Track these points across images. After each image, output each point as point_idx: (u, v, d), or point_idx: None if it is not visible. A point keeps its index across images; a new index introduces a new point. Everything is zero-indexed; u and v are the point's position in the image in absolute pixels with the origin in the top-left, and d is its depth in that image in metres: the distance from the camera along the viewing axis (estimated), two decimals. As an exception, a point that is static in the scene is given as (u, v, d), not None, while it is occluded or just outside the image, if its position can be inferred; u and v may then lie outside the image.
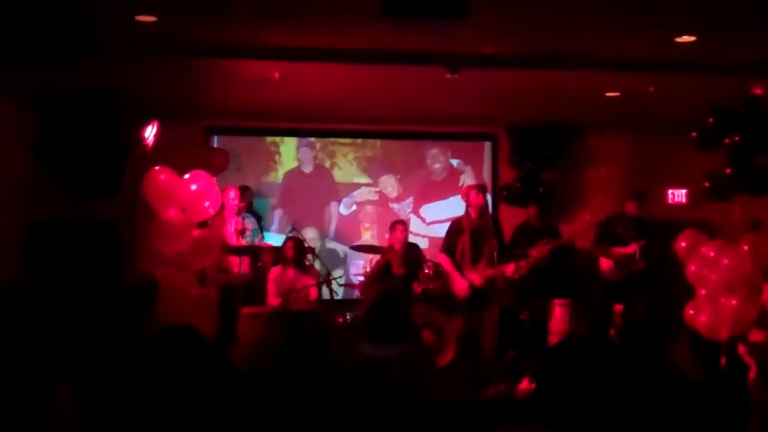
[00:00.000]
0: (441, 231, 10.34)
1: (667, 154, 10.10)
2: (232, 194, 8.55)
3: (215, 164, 9.60)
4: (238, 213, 8.73)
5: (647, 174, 10.25)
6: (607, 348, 2.54)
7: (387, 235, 9.02)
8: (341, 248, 10.73)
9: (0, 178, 7.85)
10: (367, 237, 10.76)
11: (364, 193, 10.86)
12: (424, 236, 10.69)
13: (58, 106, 7.84)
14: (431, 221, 10.86)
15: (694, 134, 8.46)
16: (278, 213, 10.69)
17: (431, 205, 10.92)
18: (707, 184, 8.63)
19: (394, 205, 10.88)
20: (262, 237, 9.18)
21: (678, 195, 10.73)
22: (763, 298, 6.34)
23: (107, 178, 7.94)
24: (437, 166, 11.01)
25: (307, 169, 10.84)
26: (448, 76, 7.41)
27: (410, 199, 10.90)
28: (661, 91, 8.12)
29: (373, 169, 10.93)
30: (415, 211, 10.89)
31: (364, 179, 10.90)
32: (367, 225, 10.82)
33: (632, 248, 8.13)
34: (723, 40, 6.79)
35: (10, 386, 1.50)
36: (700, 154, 8.64)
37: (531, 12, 6.15)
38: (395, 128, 10.71)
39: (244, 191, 9.04)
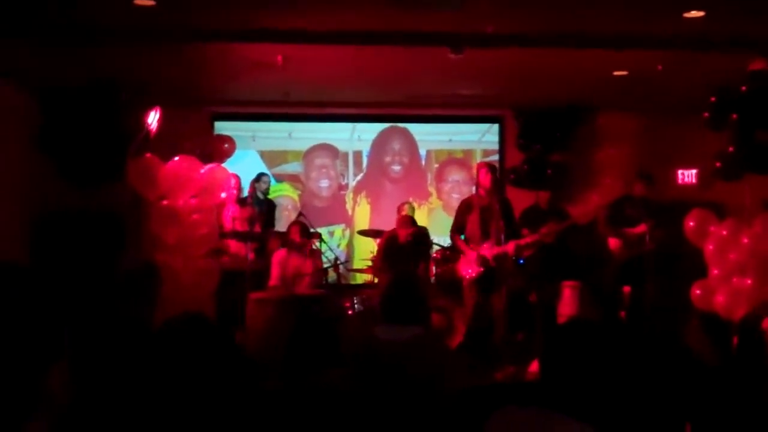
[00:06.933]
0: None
1: (677, 134, 9.96)
2: (232, 182, 8.49)
3: (222, 150, 9.56)
4: (238, 201, 8.67)
5: (656, 154, 10.14)
6: (614, 329, 2.49)
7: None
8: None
9: (3, 168, 7.78)
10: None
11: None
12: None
13: (60, 93, 7.77)
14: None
15: (706, 114, 8.34)
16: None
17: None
18: (718, 164, 8.51)
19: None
20: (265, 226, 8.98)
21: (688, 175, 10.61)
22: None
23: (110, 166, 7.87)
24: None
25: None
26: (452, 56, 7.31)
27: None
28: (670, 69, 8.01)
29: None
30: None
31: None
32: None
33: (641, 228, 8.08)
34: (731, 15, 6.66)
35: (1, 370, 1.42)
36: (709, 133, 8.53)
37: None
38: (401, 112, 10.62)
39: (258, 179, 9.02)
